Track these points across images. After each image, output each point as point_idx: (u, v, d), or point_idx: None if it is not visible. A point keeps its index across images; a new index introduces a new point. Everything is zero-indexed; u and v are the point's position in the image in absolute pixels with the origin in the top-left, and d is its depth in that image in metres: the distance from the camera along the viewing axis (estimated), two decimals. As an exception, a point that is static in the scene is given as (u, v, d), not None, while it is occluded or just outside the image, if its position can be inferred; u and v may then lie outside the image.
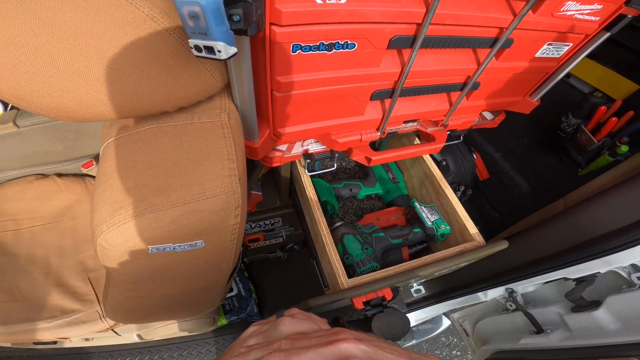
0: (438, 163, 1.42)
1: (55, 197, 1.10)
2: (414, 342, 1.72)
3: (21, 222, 1.07)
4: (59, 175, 1.13)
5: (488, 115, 0.99)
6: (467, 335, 1.65)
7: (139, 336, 1.29)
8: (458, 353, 2.08)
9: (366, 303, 0.78)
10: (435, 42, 0.61)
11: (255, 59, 0.51)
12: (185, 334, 1.41)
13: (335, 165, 0.89)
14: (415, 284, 1.47)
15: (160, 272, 0.58)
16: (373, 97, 0.66)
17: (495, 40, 0.65)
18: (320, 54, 0.53)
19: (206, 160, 0.49)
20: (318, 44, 0.51)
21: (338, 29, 0.50)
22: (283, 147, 0.76)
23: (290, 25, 0.46)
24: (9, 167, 1.08)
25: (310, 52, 0.52)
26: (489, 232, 1.58)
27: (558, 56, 0.79)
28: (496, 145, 1.55)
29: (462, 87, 0.75)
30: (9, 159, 1.03)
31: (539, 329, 1.20)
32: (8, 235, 1.05)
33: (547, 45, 0.73)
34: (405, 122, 0.82)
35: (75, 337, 1.07)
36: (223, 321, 1.49)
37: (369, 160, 0.79)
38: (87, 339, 1.21)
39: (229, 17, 0.36)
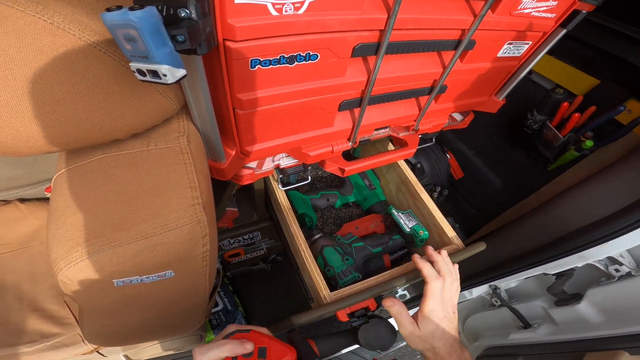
0: (413, 166, 1.41)
1: (20, 223, 1.02)
2: (404, 343, 1.70)
3: (-13, 251, 0.99)
4: (22, 200, 1.05)
5: (457, 117, 0.98)
6: (458, 331, 1.65)
7: (126, 357, 1.21)
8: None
9: (350, 315, 0.75)
10: (400, 48, 0.59)
11: (212, 76, 0.47)
12: (173, 351, 1.34)
13: (310, 177, 0.86)
14: (399, 290, 1.45)
15: (132, 301, 0.54)
16: (341, 108, 0.63)
17: (458, 42, 0.64)
18: (282, 68, 0.50)
19: (166, 190, 0.45)
20: (278, 57, 0.48)
21: (297, 40, 0.47)
22: (253, 164, 0.72)
23: (246, 40, 0.43)
24: (-34, 195, 1.00)
25: (271, 66, 0.49)
26: (467, 229, 1.58)
27: (519, 55, 0.78)
28: (468, 143, 1.55)
29: (429, 91, 0.74)
30: (-36, 187, 0.96)
31: (525, 324, 1.20)
32: (-25, 264, 0.97)
33: (508, 44, 0.73)
34: (376, 129, 0.80)
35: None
36: (211, 336, 1.44)
37: (342, 171, 0.76)
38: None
39: (173, 38, 0.32)
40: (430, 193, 1.34)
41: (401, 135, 0.85)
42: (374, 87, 0.61)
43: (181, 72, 0.34)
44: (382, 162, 0.81)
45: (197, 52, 0.36)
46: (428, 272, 0.63)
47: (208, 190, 0.50)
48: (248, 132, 0.59)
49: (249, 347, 0.45)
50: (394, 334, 0.76)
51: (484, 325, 1.45)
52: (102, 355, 1.10)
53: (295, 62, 0.50)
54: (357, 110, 0.68)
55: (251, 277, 1.66)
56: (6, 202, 1.05)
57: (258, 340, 0.47)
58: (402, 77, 0.65)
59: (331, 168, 0.77)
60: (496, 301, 1.31)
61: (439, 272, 0.63)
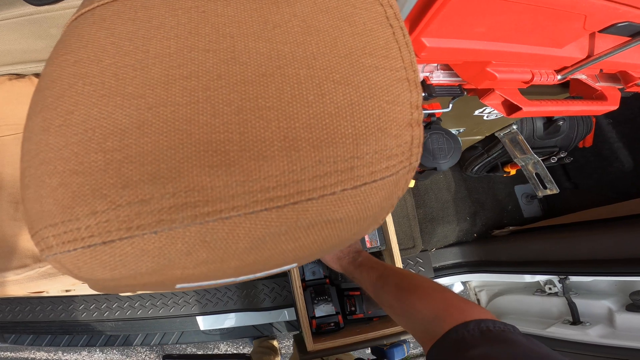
0: (551, 121, 1.03)
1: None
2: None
3: (-13, 130, 0.72)
4: (38, 75, 0.77)
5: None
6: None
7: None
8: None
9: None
10: None
11: None
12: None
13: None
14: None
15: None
16: (607, 30, 0.34)
17: None
18: None
19: (363, 76, 0.17)
20: None
21: None
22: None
23: None
24: (-24, 64, 0.71)
25: None
26: (549, 206, 1.32)
27: None
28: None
29: None
30: (-25, 55, 0.67)
31: (575, 320, 1.00)
32: (-31, 145, 0.70)
33: None
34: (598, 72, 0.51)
35: (52, 290, 0.78)
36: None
37: (514, 110, 0.48)
38: (67, 290, 0.91)
39: None
40: (549, 156, 1.03)
41: (598, 84, 0.55)
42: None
43: None
44: (574, 111, 0.52)
45: None
46: None
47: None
48: (446, 18, 0.30)
49: None
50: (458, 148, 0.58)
51: (518, 309, 1.24)
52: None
53: None
54: (615, 39, 0.39)
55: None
56: (21, 76, 0.78)
57: None
58: None
59: (495, 102, 0.49)
60: (551, 289, 1.09)
61: None
